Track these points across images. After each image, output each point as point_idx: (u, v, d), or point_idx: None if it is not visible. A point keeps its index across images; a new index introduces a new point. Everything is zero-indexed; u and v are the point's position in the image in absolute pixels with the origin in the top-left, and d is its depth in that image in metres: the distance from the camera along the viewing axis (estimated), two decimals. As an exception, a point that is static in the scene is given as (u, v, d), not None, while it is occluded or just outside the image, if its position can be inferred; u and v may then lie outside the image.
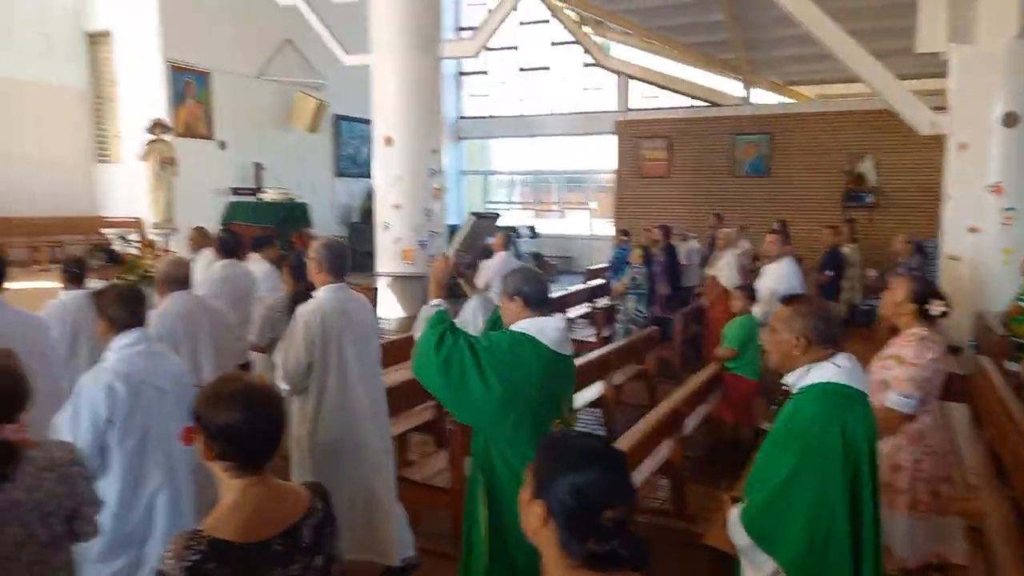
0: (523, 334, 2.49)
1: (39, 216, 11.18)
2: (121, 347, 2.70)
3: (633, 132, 15.85)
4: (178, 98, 11.80)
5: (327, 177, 15.19)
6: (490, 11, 11.60)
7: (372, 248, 11.30)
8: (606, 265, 11.36)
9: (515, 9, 11.67)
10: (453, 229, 16.84)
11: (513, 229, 17.25)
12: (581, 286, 11.06)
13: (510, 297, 2.59)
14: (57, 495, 2.00)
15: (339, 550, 1.78)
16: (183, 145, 11.29)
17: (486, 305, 4.25)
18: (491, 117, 19.16)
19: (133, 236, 9.22)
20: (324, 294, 3.34)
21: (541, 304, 2.58)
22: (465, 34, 17.38)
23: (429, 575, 3.75)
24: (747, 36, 14.23)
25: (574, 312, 9.49)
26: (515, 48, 18.69)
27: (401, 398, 4.84)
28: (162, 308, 3.92)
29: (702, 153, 15.01)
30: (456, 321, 2.62)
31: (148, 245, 8.82)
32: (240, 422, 1.61)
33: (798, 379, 2.24)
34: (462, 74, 19.46)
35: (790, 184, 14.05)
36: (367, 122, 12.27)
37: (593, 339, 8.57)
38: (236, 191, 11.90)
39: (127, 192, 11.68)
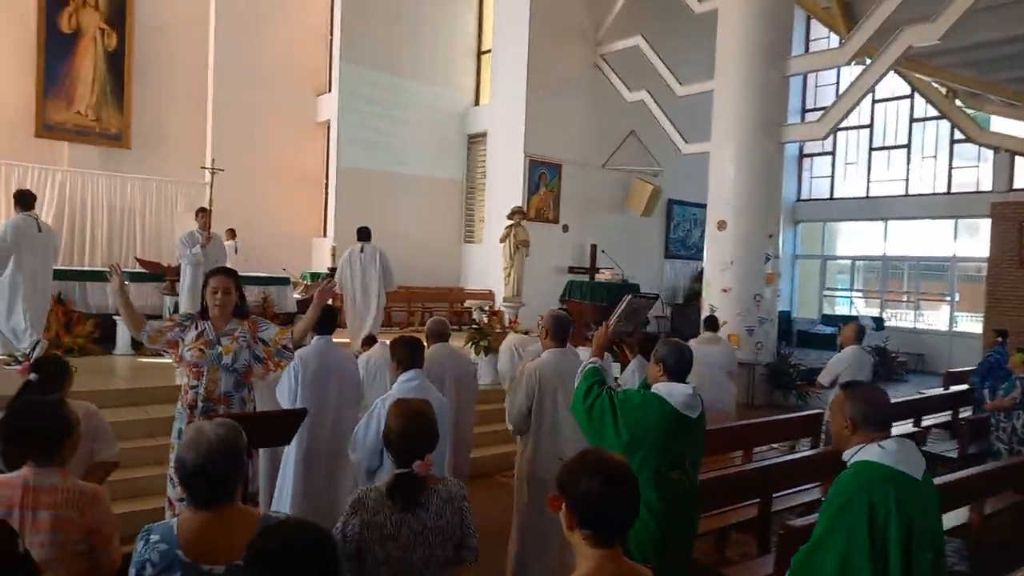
0: (654, 394, 3.00)
1: (416, 286, 13.40)
2: (402, 381, 3.67)
3: (1015, 215, 13.57)
4: (533, 187, 13.32)
5: (657, 258, 15.65)
6: (839, 94, 11.12)
7: (696, 331, 11.31)
8: (971, 368, 9.74)
9: (871, 91, 11.01)
10: (785, 316, 16.06)
11: (855, 319, 15.77)
12: (939, 391, 9.61)
13: (656, 362, 3.11)
14: (452, 523, 2.41)
15: None
16: (533, 228, 12.65)
17: (642, 367, 4.75)
18: (834, 199, 18.03)
19: (487, 307, 10.52)
20: (546, 356, 3.88)
21: (678, 373, 3.05)
22: (812, 116, 16.79)
23: None
24: None
25: (929, 420, 8.28)
26: (868, 127, 17.48)
27: (721, 492, 4.71)
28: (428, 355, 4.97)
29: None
30: (622, 378, 3.37)
31: (495, 315, 9.97)
32: (599, 493, 1.72)
33: (849, 458, 2.46)
34: (804, 156, 18.73)
35: None
36: (700, 206, 12.47)
37: (953, 454, 7.36)
38: (573, 270, 12.90)
39: (485, 268, 13.44)
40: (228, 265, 9.17)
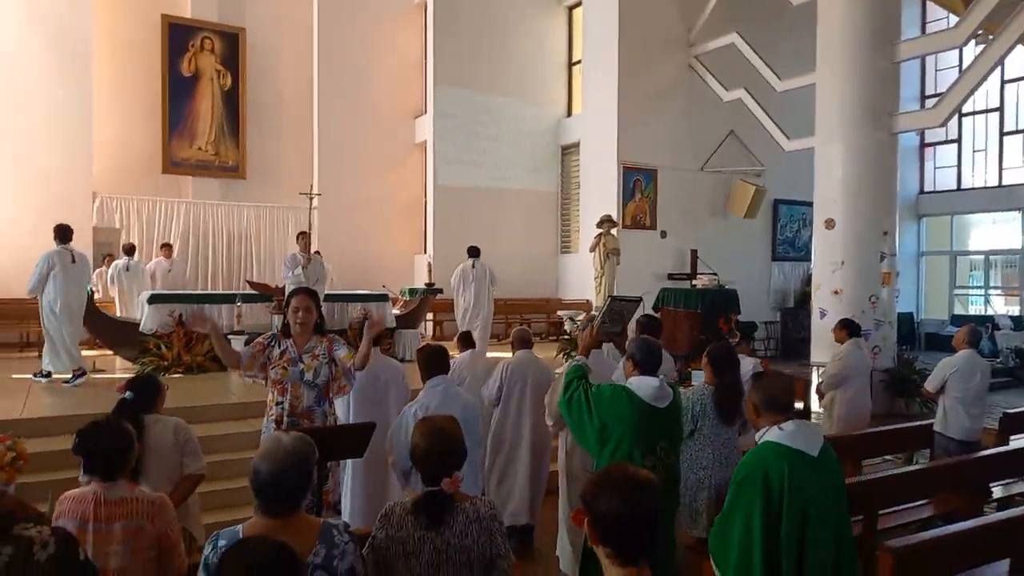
0: (624, 387, 3.29)
1: (512, 298, 13.51)
2: (429, 387, 3.97)
3: None
4: (628, 194, 13.14)
5: (764, 261, 15.00)
6: (960, 74, 10.27)
7: (808, 335, 10.71)
8: None
9: (995, 71, 10.09)
10: (907, 317, 14.96)
11: (990, 319, 14.45)
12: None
13: (628, 359, 3.46)
14: (480, 544, 2.32)
15: None
16: (629, 235, 12.48)
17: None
18: (962, 190, 16.65)
19: (580, 316, 10.45)
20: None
21: (648, 367, 3.33)
22: (932, 102, 15.63)
23: None
24: None
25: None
26: (997, 110, 16.06)
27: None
28: (511, 360, 5.27)
29: None
30: (614, 377, 3.92)
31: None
32: (619, 512, 1.67)
33: (759, 439, 2.77)
34: (926, 145, 17.43)
35: None
36: (808, 204, 11.87)
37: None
38: (672, 276, 12.58)
39: (580, 278, 13.36)
40: (327, 285, 9.68)
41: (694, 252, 12.45)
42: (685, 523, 4.11)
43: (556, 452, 4.92)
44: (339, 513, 4.17)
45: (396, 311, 10.73)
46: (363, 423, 3.86)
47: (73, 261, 7.84)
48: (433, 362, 4.02)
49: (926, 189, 17.38)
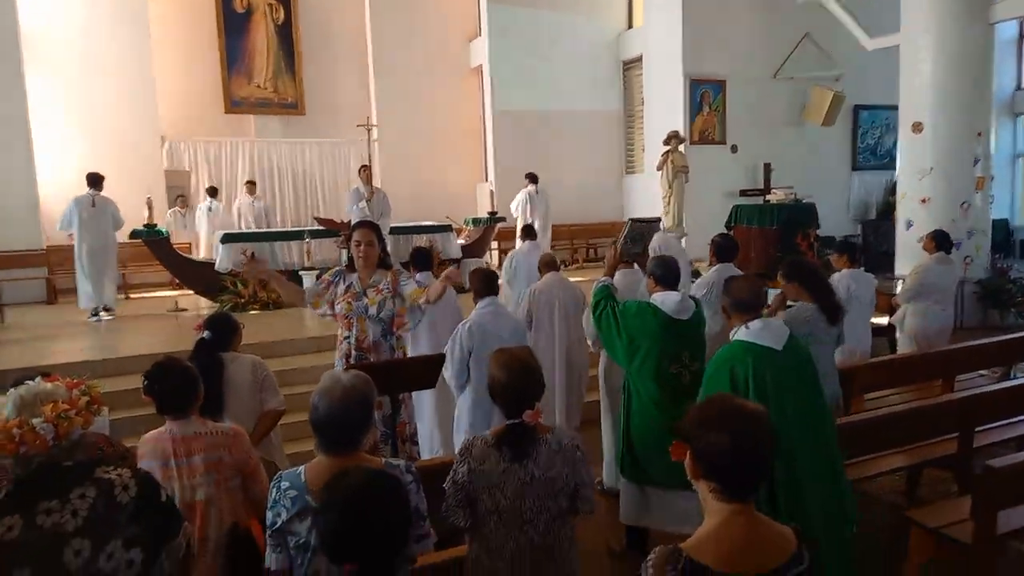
0: (648, 303, 3.57)
1: (576, 223, 13.24)
2: (480, 307, 4.15)
3: None
4: (695, 108, 12.52)
5: (843, 172, 14.18)
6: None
7: (891, 248, 10.15)
8: None
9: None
10: (1002, 224, 13.99)
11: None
12: None
13: (649, 276, 3.72)
14: (564, 475, 2.31)
15: None
16: (697, 152, 11.94)
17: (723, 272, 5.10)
18: (1065, 82, 15.20)
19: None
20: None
21: (668, 282, 3.59)
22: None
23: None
24: None
25: None
26: (1109, -12, 14.38)
27: (918, 425, 4.23)
28: (538, 284, 5.38)
29: None
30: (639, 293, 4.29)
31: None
32: (728, 446, 1.55)
33: (731, 338, 2.95)
34: (1024, 35, 15.88)
35: None
36: (892, 108, 11.04)
37: None
38: (745, 193, 12.04)
39: (648, 199, 12.93)
40: (391, 218, 9.67)
41: (767, 166, 11.83)
42: None
43: (596, 380, 4.87)
44: (416, 444, 4.22)
45: (461, 241, 10.69)
46: (431, 355, 3.84)
47: (93, 205, 8.31)
48: (484, 283, 4.24)
49: (1023, 85, 15.94)
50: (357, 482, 1.53)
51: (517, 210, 11.26)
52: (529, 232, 7.52)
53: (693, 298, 3.65)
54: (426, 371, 3.61)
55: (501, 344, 3.89)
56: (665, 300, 3.49)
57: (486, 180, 14.09)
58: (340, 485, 1.53)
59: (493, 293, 4.25)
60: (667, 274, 3.60)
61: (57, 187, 10.46)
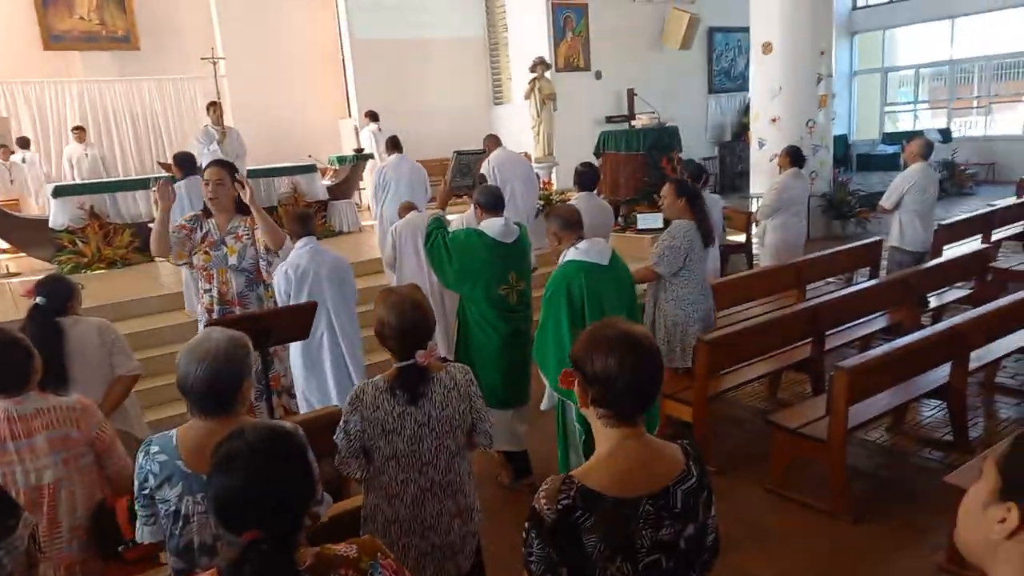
0: (475, 230, 3.81)
1: (446, 157, 12.96)
2: (297, 248, 4.06)
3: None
4: (559, 35, 12.41)
5: (700, 95, 14.69)
6: None
7: (746, 168, 10.70)
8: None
9: None
10: (842, 140, 15.05)
11: (919, 134, 14.67)
12: (1010, 200, 8.96)
13: (474, 205, 3.96)
14: (460, 411, 2.28)
15: (712, 520, 1.62)
16: (563, 79, 11.92)
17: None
18: (894, 2, 16.31)
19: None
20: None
21: (492, 208, 3.81)
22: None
23: (807, 525, 3.49)
24: None
25: (1001, 233, 7.73)
26: (928, -88, 15.41)
27: (775, 334, 4.52)
28: (400, 223, 5.59)
29: None
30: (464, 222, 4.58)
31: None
32: (616, 370, 1.51)
33: (561, 260, 3.26)
34: (857, -44, 16.81)
35: None
36: (744, 30, 11.44)
37: (1027, 268, 6.88)
38: (611, 119, 12.21)
39: (517, 130, 12.84)
40: (247, 160, 9.04)
41: (631, 91, 12.05)
42: (677, 359, 4.31)
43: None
44: (293, 397, 4.05)
45: (326, 182, 10.21)
46: (303, 304, 3.63)
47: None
48: (300, 224, 4.20)
49: (859, 4, 16.98)
50: (257, 439, 1.38)
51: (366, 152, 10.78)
52: (396, 144, 7.42)
53: (518, 224, 3.90)
54: (295, 322, 3.41)
55: (320, 283, 4.03)
56: (491, 226, 3.73)
57: (349, 115, 13.44)
58: (237, 445, 1.37)
59: (309, 233, 4.20)
60: (491, 200, 3.84)
61: None
